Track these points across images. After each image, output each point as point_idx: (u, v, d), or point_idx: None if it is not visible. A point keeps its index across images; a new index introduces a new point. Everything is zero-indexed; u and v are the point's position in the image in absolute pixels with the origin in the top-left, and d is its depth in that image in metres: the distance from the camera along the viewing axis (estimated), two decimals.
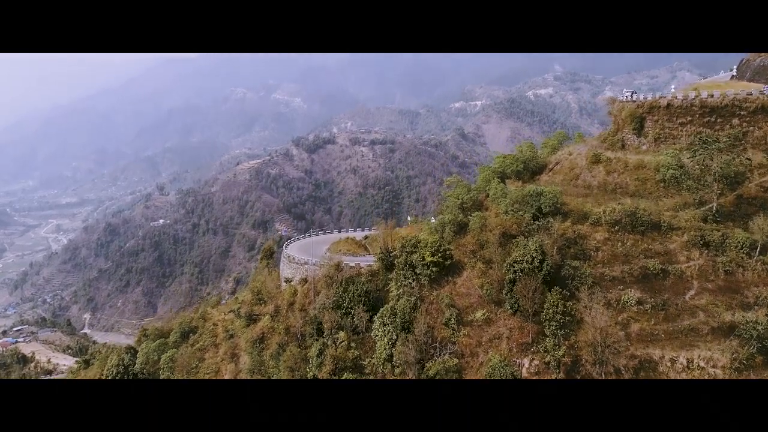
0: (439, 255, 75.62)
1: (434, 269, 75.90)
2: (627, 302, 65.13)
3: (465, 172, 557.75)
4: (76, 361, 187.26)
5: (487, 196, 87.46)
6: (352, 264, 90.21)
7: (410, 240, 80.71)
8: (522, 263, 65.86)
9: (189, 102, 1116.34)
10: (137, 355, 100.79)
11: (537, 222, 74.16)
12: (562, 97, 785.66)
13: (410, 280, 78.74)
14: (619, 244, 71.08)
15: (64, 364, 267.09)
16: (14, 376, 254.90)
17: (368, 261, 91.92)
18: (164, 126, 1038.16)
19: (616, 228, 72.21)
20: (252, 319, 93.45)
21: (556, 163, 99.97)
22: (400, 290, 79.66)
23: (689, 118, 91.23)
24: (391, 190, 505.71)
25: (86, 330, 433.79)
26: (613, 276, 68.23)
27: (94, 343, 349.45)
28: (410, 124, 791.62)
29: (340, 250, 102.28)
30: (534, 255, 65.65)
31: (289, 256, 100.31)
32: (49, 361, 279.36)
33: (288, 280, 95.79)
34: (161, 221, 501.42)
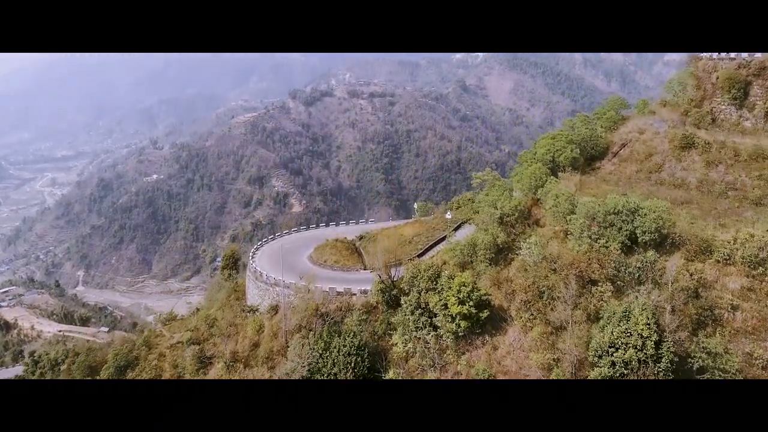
0: (471, 304, 46.82)
1: (463, 323, 47.30)
2: None
3: (467, 125, 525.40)
4: None
5: (537, 201, 57.96)
6: (341, 289, 61.77)
7: (425, 271, 51.87)
8: (625, 349, 36.75)
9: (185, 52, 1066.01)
10: None
11: (633, 256, 44.93)
12: None
13: (425, 332, 50.33)
14: None
15: (48, 331, 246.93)
16: None
17: (362, 281, 63.63)
18: (160, 77, 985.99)
19: (761, 270, 43.02)
20: (203, 362, 65.21)
21: (623, 145, 69.88)
22: (409, 346, 51.37)
23: None
24: (390, 145, 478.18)
25: (80, 287, 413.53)
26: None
27: (84, 305, 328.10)
28: (410, 75, 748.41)
29: (326, 261, 73.36)
30: (645, 334, 36.53)
31: (255, 272, 71.14)
32: (32, 328, 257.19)
33: (253, 309, 67.13)
34: (155, 176, 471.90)
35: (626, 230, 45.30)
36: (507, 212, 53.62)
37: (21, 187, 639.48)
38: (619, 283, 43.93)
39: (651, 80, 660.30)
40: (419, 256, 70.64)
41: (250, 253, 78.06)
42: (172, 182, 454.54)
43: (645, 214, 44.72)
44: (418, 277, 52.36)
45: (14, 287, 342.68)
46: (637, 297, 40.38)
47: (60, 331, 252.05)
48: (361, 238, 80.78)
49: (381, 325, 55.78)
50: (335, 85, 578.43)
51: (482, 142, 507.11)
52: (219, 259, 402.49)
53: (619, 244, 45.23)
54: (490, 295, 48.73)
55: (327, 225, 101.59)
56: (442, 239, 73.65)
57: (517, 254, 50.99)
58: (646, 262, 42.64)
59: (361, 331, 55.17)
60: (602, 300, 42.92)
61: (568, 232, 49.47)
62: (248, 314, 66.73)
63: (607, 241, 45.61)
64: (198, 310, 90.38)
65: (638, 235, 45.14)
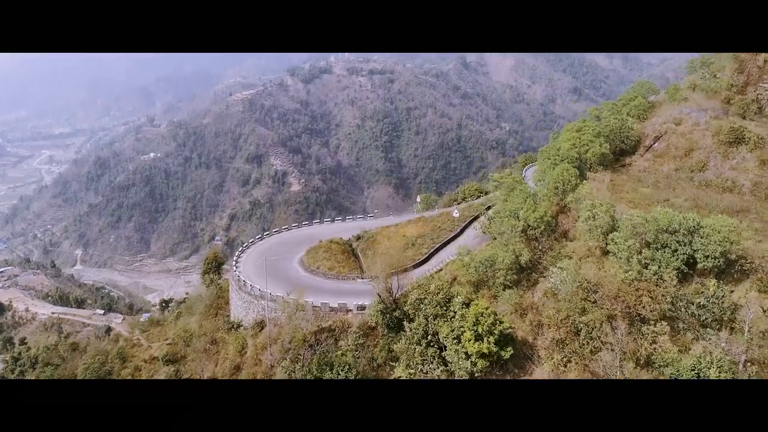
0: (492, 339, 38.05)
1: (480, 363, 38.61)
2: None
3: (467, 103, 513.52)
4: None
5: (564, 207, 48.78)
6: (335, 304, 53.07)
7: (433, 294, 43.01)
8: None
9: None
10: None
11: (690, 285, 35.97)
12: None
13: (433, 366, 41.68)
14: None
15: (42, 314, 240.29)
16: None
17: (359, 293, 54.94)
18: (158, 54, 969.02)
19: None
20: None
21: (656, 138, 60.51)
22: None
23: None
24: (390, 123, 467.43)
25: (78, 266, 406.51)
26: None
27: (80, 286, 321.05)
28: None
29: (318, 267, 64.42)
30: None
31: (239, 281, 62.21)
32: (27, 310, 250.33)
33: (236, 325, 58.39)
34: (152, 155, 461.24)
35: (683, 253, 36.26)
36: (531, 224, 44.39)
37: (18, 164, 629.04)
38: (680, 326, 34.92)
39: (653, 57, 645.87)
40: (424, 262, 61.89)
41: (234, 258, 68.96)
42: (169, 160, 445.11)
43: (707, 235, 35.60)
44: (425, 301, 43.50)
45: (10, 267, 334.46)
46: (705, 347, 31.44)
47: (54, 313, 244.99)
48: (358, 238, 71.72)
49: (381, 351, 47.15)
50: (334, 62, 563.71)
51: (483, 119, 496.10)
52: (218, 237, 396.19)
53: (675, 271, 36.19)
54: (514, 327, 39.93)
55: (321, 221, 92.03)
56: (449, 241, 64.91)
57: (543, 275, 42.09)
58: (713, 298, 33.62)
59: (358, 358, 46.61)
60: (655, 342, 34.10)
61: (608, 252, 40.42)
62: (231, 329, 58.00)
63: (659, 267, 36.51)
64: (180, 314, 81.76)
65: (698, 260, 36.15)
